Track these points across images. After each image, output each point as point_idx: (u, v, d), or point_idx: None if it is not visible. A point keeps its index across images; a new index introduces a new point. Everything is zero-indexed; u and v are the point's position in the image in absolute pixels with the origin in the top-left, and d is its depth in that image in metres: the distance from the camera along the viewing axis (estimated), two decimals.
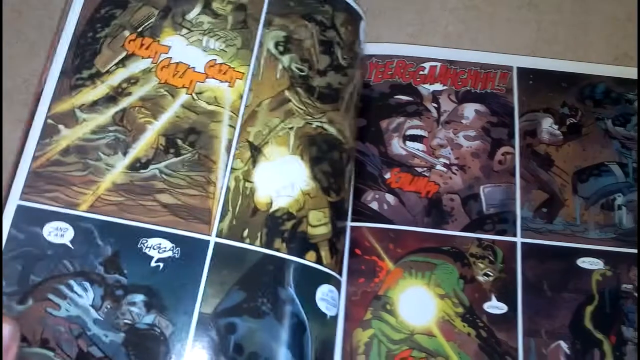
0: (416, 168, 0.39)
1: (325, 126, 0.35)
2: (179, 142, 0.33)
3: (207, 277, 0.30)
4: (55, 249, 0.30)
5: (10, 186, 0.31)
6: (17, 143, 0.32)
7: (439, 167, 0.39)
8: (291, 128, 0.34)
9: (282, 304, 0.31)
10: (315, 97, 0.36)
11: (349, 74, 0.38)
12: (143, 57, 0.34)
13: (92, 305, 0.29)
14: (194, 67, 0.34)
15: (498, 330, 0.35)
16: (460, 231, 0.37)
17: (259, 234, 0.32)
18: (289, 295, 0.31)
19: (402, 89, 0.41)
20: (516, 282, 0.36)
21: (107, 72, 0.33)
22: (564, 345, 0.35)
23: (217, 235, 0.31)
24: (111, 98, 0.33)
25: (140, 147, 0.32)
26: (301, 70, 0.36)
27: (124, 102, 0.33)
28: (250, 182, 0.33)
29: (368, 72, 0.41)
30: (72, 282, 0.30)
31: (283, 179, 0.33)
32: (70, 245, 0.30)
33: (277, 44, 0.36)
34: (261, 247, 0.31)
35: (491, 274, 0.36)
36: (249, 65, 0.35)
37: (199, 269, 0.30)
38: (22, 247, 0.30)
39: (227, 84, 0.34)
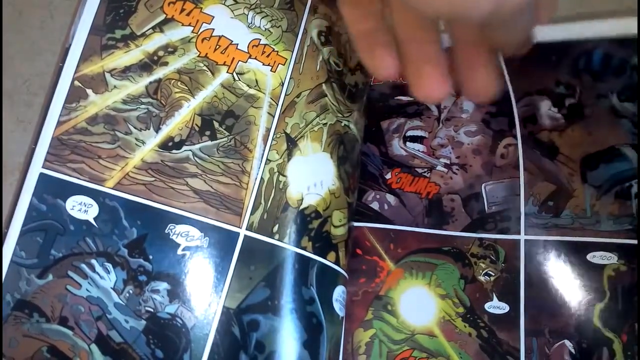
0: (416, 169, 0.38)
1: (351, 126, 0.34)
2: (216, 124, 0.30)
3: (234, 271, 0.29)
4: (77, 224, 0.28)
5: (33, 151, 0.28)
6: (37, 116, 0.29)
7: (439, 167, 0.38)
8: (325, 124, 0.33)
9: (305, 303, 0.30)
10: (346, 95, 0.34)
11: (367, 75, 0.36)
12: (183, 25, 0.31)
13: (114, 289, 0.28)
14: (237, 44, 0.31)
15: (499, 330, 0.34)
16: (461, 231, 0.36)
17: (288, 231, 0.31)
18: (310, 295, 0.31)
19: (402, 89, 0.39)
20: (519, 281, 0.34)
21: (143, 35, 0.30)
22: (568, 344, 0.33)
23: (248, 229, 0.30)
24: (145, 66, 0.30)
25: (174, 125, 0.30)
26: (337, 65, 0.33)
27: (159, 73, 0.30)
28: (284, 176, 0.31)
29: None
30: (94, 261, 0.28)
31: (314, 176, 0.32)
32: (94, 223, 0.28)
33: (319, 34, 0.33)
34: (290, 244, 0.30)
35: (492, 274, 0.35)
36: (292, 51, 0.32)
37: (227, 262, 0.29)
38: (43, 219, 0.28)
39: (269, 67, 0.32)
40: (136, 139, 0.29)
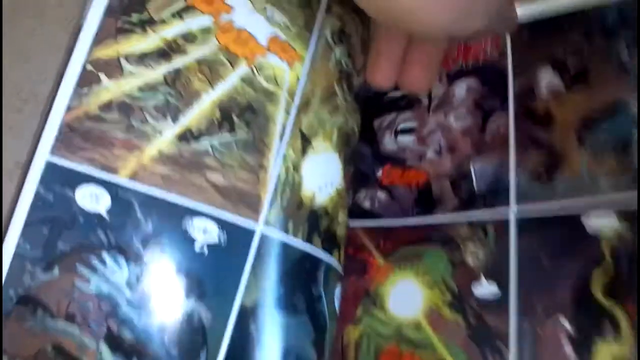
0: (407, 160, 0.36)
1: (355, 127, 0.34)
2: (235, 118, 0.29)
3: (251, 267, 0.28)
4: (88, 217, 0.26)
5: (38, 138, 0.26)
6: (47, 91, 0.26)
7: (429, 155, 0.36)
8: (335, 124, 0.32)
9: (314, 302, 0.30)
10: (353, 95, 0.33)
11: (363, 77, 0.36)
12: (203, 13, 0.29)
13: (127, 284, 0.26)
14: (256, 38, 0.30)
15: (488, 314, 0.30)
16: (450, 215, 0.34)
17: (301, 229, 0.30)
18: (319, 293, 0.30)
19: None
20: (508, 259, 0.30)
21: (161, 21, 0.28)
22: (564, 321, 0.27)
23: (265, 225, 0.29)
24: (164, 53, 0.28)
25: (193, 117, 0.28)
26: (347, 66, 0.33)
27: (179, 62, 0.28)
28: (299, 174, 0.30)
29: None
30: (105, 255, 0.26)
31: (325, 175, 0.31)
32: (106, 215, 0.26)
33: (332, 33, 0.32)
34: (303, 242, 0.29)
35: (481, 255, 0.32)
36: (308, 48, 0.31)
37: (243, 259, 0.28)
38: (50, 210, 0.25)
39: (286, 64, 0.30)
40: (153, 128, 0.27)
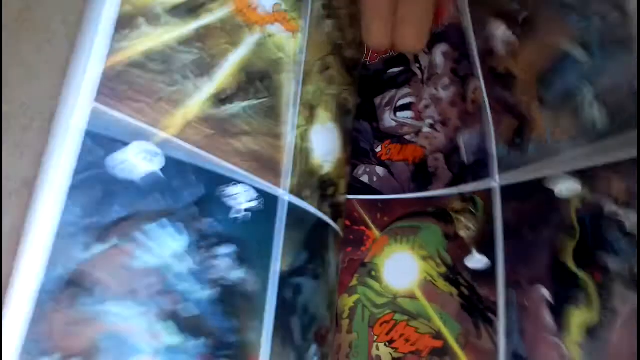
0: (405, 136, 0.36)
1: (350, 99, 0.35)
2: (258, 83, 0.28)
3: (284, 234, 0.28)
4: (144, 176, 0.22)
5: (80, 83, 0.21)
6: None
7: (425, 129, 0.35)
8: (332, 95, 0.33)
9: (326, 267, 0.31)
10: (346, 69, 0.35)
11: (361, 52, 0.38)
12: None
13: (180, 255, 0.23)
14: (264, 6, 0.30)
15: (480, 285, 0.30)
16: (444, 189, 0.34)
17: (315, 196, 0.31)
18: (329, 259, 0.31)
19: (394, 61, 0.38)
20: (495, 231, 0.30)
21: None
22: (545, 292, 0.28)
23: (290, 192, 0.29)
24: (192, 9, 0.26)
25: (225, 76, 0.27)
26: (338, 39, 0.35)
27: (206, 19, 0.26)
28: (309, 142, 0.31)
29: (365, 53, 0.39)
30: (163, 222, 0.23)
31: (328, 144, 0.32)
32: (162, 175, 0.23)
33: (323, 7, 0.34)
34: (317, 209, 0.30)
35: (472, 227, 0.32)
36: (304, 20, 0.32)
37: (280, 225, 0.28)
38: (101, 168, 0.21)
39: (290, 34, 0.31)
40: (194, 84, 0.25)
